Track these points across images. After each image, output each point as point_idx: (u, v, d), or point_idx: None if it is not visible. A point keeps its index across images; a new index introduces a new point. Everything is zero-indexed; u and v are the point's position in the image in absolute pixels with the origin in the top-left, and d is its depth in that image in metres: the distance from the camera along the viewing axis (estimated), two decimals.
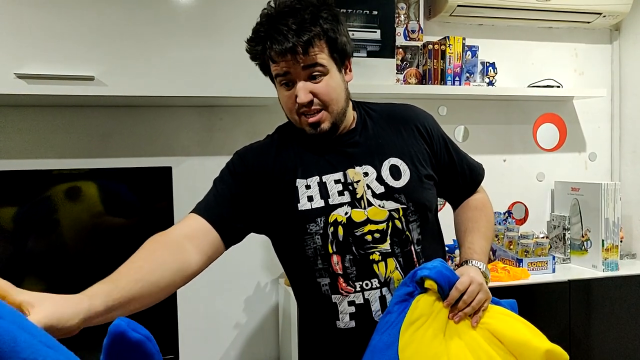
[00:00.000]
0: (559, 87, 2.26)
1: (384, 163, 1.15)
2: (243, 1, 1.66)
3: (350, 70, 1.18)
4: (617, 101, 2.44)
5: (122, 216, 1.65)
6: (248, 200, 1.16)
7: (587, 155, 2.45)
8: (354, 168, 1.14)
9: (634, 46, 2.36)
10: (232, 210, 1.14)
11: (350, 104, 1.20)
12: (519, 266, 2.01)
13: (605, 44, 2.45)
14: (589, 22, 2.28)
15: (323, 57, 1.08)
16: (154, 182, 1.68)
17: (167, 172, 1.68)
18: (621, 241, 2.20)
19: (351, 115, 1.20)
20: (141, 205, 1.67)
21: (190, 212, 1.15)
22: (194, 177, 1.97)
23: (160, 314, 1.68)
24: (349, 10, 2.00)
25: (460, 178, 1.29)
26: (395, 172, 1.15)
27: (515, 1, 2.10)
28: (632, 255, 2.30)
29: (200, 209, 1.14)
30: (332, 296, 1.11)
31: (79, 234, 1.59)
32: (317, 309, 1.15)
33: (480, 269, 1.14)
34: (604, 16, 2.22)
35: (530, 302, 1.90)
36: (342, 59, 1.13)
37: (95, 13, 1.55)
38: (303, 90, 1.08)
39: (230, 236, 1.12)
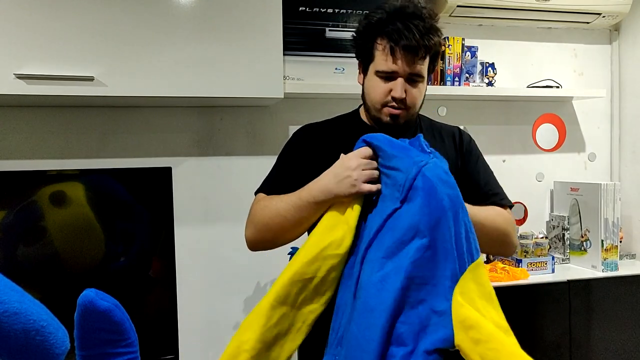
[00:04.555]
0: (558, 87, 2.26)
1: None
2: (243, 1, 1.66)
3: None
4: (617, 101, 2.45)
5: (122, 217, 1.65)
6: (301, 171, 1.26)
7: (587, 156, 2.46)
8: None
9: (634, 47, 2.36)
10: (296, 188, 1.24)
11: None
12: (519, 266, 2.02)
13: (605, 44, 2.45)
14: (588, 23, 2.28)
15: (425, 69, 1.22)
16: (153, 182, 1.68)
17: (167, 172, 1.68)
18: (621, 241, 2.20)
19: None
20: (141, 206, 1.67)
21: (257, 192, 1.32)
22: (194, 177, 1.97)
23: (160, 314, 1.68)
24: (349, 11, 2.00)
25: (476, 197, 1.30)
26: None
27: (515, 1, 2.11)
28: (631, 255, 2.30)
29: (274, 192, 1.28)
30: None
31: (76, 236, 1.59)
32: None
33: None
34: (604, 16, 2.22)
35: (530, 302, 1.90)
36: (432, 71, 1.27)
37: (95, 13, 1.55)
38: (401, 87, 1.20)
39: None
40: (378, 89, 1.22)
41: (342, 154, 1.15)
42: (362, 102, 1.33)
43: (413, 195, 1.02)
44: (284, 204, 1.20)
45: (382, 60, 1.20)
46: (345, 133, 1.30)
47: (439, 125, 1.39)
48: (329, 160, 1.23)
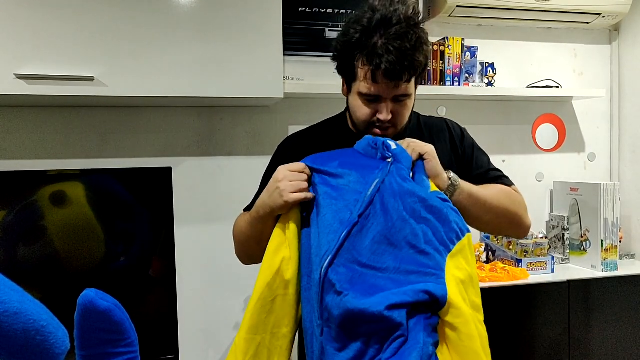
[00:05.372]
0: (558, 87, 2.26)
1: None
2: (243, 1, 1.66)
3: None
4: (616, 102, 2.45)
5: (122, 217, 1.65)
6: None
7: (586, 156, 2.46)
8: None
9: (633, 47, 2.36)
10: None
11: None
12: (518, 266, 2.02)
13: (605, 44, 2.45)
14: (588, 23, 2.29)
15: (412, 86, 1.16)
16: (153, 182, 1.68)
17: (167, 172, 1.68)
18: (620, 241, 2.20)
19: None
20: (141, 206, 1.67)
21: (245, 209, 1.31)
22: (194, 177, 1.98)
23: (160, 314, 1.68)
24: (349, 11, 2.01)
25: (484, 180, 1.29)
26: None
27: (515, 2, 2.11)
28: (631, 255, 2.30)
29: None
30: None
31: (76, 236, 1.59)
32: None
33: (449, 175, 1.15)
34: (603, 17, 2.22)
35: (530, 302, 1.90)
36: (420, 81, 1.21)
37: (95, 13, 1.55)
38: (387, 110, 1.15)
39: None
40: (363, 110, 1.17)
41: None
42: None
43: (372, 211, 1.03)
44: (244, 222, 1.24)
45: (364, 84, 1.13)
46: (330, 142, 1.25)
47: (427, 121, 1.35)
48: None
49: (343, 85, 1.26)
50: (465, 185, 1.17)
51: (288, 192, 1.07)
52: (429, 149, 1.12)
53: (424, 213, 1.02)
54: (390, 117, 1.15)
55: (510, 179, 1.36)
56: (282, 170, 1.10)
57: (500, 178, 1.33)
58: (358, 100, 1.18)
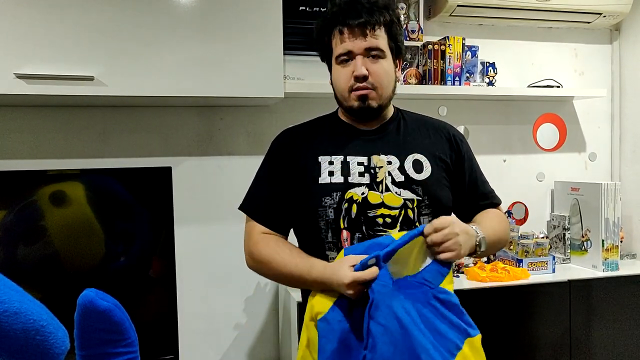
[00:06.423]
0: (559, 87, 2.26)
1: (409, 157, 1.25)
2: (243, 1, 1.66)
3: (399, 70, 1.29)
4: (617, 101, 2.44)
5: (122, 217, 1.65)
6: (281, 179, 1.27)
7: (587, 155, 2.45)
8: (379, 155, 1.23)
9: (634, 46, 2.36)
10: (277, 205, 1.27)
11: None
12: (519, 266, 2.01)
13: (606, 44, 2.45)
14: (589, 22, 2.28)
15: (384, 43, 1.20)
16: (153, 182, 1.68)
17: (167, 172, 1.68)
18: (621, 241, 2.20)
19: (390, 110, 1.31)
20: (141, 206, 1.67)
21: (240, 207, 1.32)
22: (194, 177, 1.97)
23: (160, 314, 1.68)
24: None
25: (473, 196, 1.33)
26: (417, 166, 1.24)
27: (515, 1, 2.10)
28: (632, 255, 2.30)
29: (256, 216, 1.29)
30: None
31: (76, 236, 1.59)
32: None
33: (476, 232, 1.16)
34: (604, 16, 2.22)
35: (530, 302, 1.90)
36: (397, 54, 1.25)
37: (95, 13, 1.55)
38: (361, 63, 1.18)
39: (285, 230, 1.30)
40: (341, 75, 1.22)
41: (348, 258, 1.11)
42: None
43: (372, 342, 1.02)
44: (293, 266, 1.19)
45: (336, 45, 1.21)
46: (324, 132, 1.30)
47: (425, 118, 1.37)
48: (309, 161, 1.24)
49: (330, 81, 1.29)
50: (487, 237, 1.18)
51: (354, 295, 1.06)
52: (456, 251, 1.08)
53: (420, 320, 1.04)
54: (365, 71, 1.18)
55: (498, 194, 1.41)
56: (353, 286, 1.06)
57: (492, 197, 1.38)
58: (336, 69, 1.23)
